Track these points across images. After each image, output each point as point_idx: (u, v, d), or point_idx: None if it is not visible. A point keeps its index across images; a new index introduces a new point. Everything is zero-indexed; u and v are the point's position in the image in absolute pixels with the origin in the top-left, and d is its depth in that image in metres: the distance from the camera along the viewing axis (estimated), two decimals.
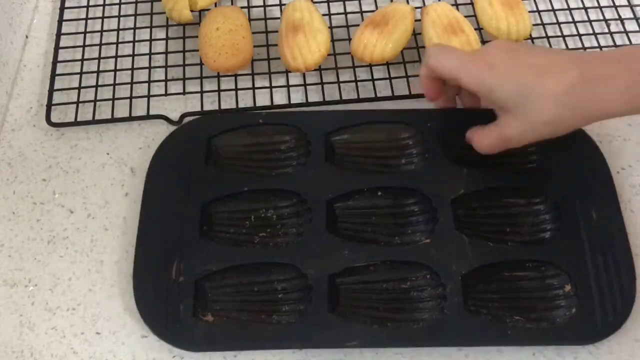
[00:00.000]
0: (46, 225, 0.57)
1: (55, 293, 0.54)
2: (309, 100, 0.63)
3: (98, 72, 0.65)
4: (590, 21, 0.67)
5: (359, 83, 0.64)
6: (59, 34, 0.67)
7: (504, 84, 0.50)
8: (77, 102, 0.63)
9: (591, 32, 0.67)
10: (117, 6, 0.70)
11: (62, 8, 0.69)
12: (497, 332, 0.50)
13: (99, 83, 0.64)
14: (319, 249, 0.53)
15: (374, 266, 0.53)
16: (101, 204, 0.58)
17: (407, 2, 0.69)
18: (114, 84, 0.64)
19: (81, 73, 0.64)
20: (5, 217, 0.57)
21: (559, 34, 0.66)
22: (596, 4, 0.69)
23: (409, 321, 0.51)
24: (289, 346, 0.51)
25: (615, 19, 0.68)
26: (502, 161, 0.58)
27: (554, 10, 0.68)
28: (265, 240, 0.55)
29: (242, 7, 0.68)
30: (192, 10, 0.66)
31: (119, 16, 0.69)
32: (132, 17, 0.69)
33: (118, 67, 0.65)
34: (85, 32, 0.67)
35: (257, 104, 0.63)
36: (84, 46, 0.66)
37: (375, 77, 0.64)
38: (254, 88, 0.63)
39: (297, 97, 0.63)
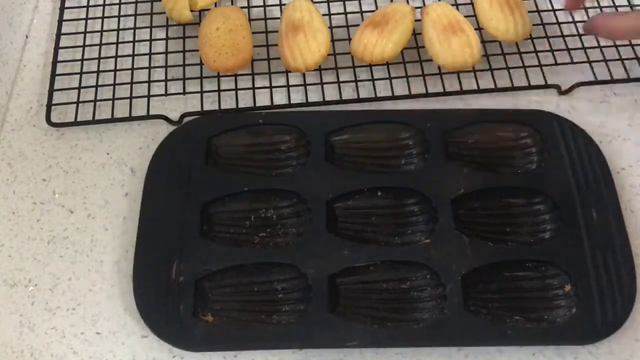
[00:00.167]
0: (46, 225, 0.57)
1: (55, 293, 0.54)
2: (309, 100, 0.63)
3: (98, 72, 0.65)
4: None
5: (358, 83, 0.64)
6: (59, 34, 0.67)
7: None
8: (77, 102, 0.62)
9: None
10: (117, 6, 0.69)
11: (62, 8, 0.69)
12: (497, 332, 0.50)
13: (99, 83, 0.64)
14: (319, 249, 0.53)
15: (374, 266, 0.53)
16: (101, 204, 0.58)
17: (407, 2, 0.69)
18: (114, 84, 0.64)
19: (81, 73, 0.64)
20: (5, 217, 0.57)
21: (559, 34, 0.66)
22: (596, 4, 0.69)
23: (409, 321, 0.51)
24: (289, 346, 0.51)
25: None
26: (502, 161, 0.58)
27: (554, 10, 0.68)
28: (265, 240, 0.55)
29: (242, 7, 0.67)
30: (192, 10, 0.66)
31: (119, 16, 0.69)
32: (132, 17, 0.69)
33: (118, 67, 0.65)
34: (85, 32, 0.67)
35: (257, 104, 0.63)
36: (84, 46, 0.66)
37: (375, 77, 0.64)
38: (254, 88, 0.63)
39: (297, 97, 0.63)
